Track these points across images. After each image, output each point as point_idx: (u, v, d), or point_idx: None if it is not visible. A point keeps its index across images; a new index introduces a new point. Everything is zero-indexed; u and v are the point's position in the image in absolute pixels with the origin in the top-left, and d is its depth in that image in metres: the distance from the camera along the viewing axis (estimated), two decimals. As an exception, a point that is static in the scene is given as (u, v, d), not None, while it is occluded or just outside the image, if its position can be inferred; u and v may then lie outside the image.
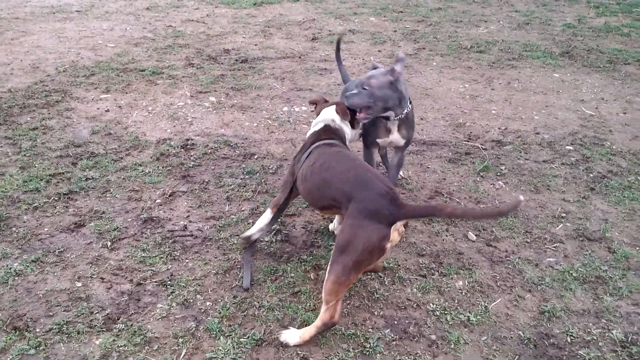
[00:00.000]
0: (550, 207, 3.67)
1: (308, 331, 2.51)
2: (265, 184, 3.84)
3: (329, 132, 3.01)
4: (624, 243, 3.31)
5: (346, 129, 3.11)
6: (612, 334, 2.65)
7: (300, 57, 6.48)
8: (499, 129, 4.83)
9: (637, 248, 3.27)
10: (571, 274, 3.04)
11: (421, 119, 4.97)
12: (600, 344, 2.59)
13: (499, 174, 4.08)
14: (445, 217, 2.89)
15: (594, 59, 6.58)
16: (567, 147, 4.48)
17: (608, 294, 2.89)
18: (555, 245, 3.31)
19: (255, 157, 4.21)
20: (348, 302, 2.81)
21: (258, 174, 3.96)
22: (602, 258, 3.18)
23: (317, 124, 3.09)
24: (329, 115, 3.08)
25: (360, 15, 8.32)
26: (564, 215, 3.58)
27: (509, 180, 4.00)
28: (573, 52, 6.84)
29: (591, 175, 4.06)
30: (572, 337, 2.62)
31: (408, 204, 2.39)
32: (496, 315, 2.76)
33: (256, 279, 2.92)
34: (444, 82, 5.83)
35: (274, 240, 3.25)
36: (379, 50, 6.78)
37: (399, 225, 2.39)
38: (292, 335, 2.53)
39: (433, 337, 2.61)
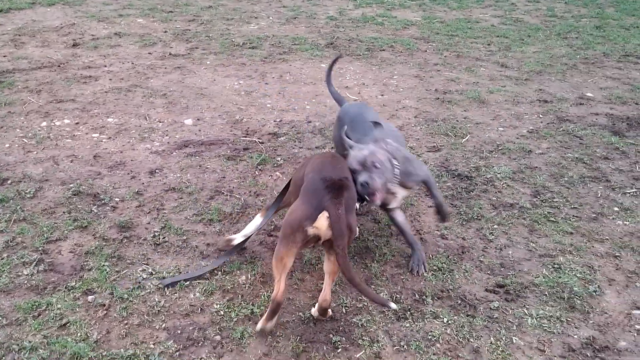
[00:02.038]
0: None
1: (266, 314, 2.56)
2: (23, 210, 3.41)
3: None
4: (386, 212, 3.67)
5: None
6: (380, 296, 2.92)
7: (59, 66, 5.90)
8: (274, 121, 4.99)
9: (397, 214, 3.66)
10: (344, 248, 3.27)
11: (198, 119, 4.90)
12: (370, 308, 2.83)
13: (275, 165, 4.22)
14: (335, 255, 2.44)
15: (355, 48, 7.19)
16: (336, 132, 4.82)
17: (375, 261, 3.17)
18: (329, 224, 3.52)
19: (9, 182, 3.71)
20: (126, 322, 2.64)
21: (12, 200, 3.50)
22: (369, 230, 3.48)
23: None
24: None
25: (127, 17, 7.90)
26: (335, 195, 3.84)
27: (286, 169, 4.16)
28: (336, 42, 7.38)
29: (357, 154, 4.43)
30: (346, 308, 2.82)
31: (339, 203, 2.36)
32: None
33: (14, 319, 2.57)
34: (219, 81, 5.83)
35: (35, 272, 2.89)
36: (149, 53, 6.52)
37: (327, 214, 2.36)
38: (259, 322, 2.58)
39: (218, 337, 2.59)
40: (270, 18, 8.46)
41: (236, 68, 6.24)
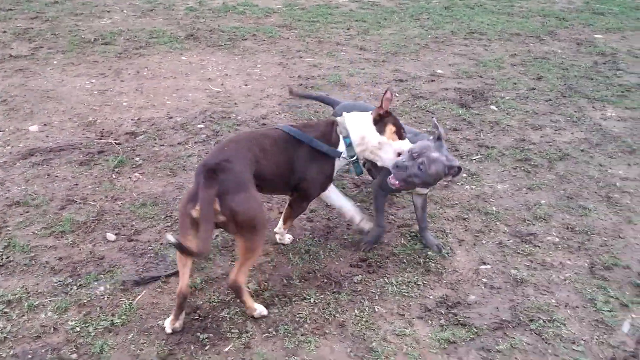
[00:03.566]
0: (187, 187, 3.79)
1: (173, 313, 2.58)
2: None
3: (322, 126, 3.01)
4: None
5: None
6: (248, 287, 2.90)
7: None
8: (132, 120, 4.75)
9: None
10: (209, 244, 3.20)
11: (45, 125, 4.53)
12: (238, 300, 2.81)
13: (134, 165, 4.02)
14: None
15: (217, 39, 7.04)
16: (199, 126, 4.69)
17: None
18: (194, 221, 3.43)
19: None
20: (-36, 357, 2.38)
21: None
22: (235, 221, 3.44)
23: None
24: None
25: (-44, 17, 7.08)
26: (199, 190, 3.75)
27: (146, 169, 3.98)
28: (197, 34, 7.18)
29: (221, 147, 4.35)
30: (214, 303, 2.77)
31: (210, 187, 2.37)
32: (142, 308, 2.72)
33: None
34: (68, 81, 5.43)
35: None
36: (-16, 56, 5.89)
37: None
38: (167, 325, 2.59)
39: (74, 356, 2.42)
40: (125, 11, 8.02)
41: (87, 66, 5.84)
